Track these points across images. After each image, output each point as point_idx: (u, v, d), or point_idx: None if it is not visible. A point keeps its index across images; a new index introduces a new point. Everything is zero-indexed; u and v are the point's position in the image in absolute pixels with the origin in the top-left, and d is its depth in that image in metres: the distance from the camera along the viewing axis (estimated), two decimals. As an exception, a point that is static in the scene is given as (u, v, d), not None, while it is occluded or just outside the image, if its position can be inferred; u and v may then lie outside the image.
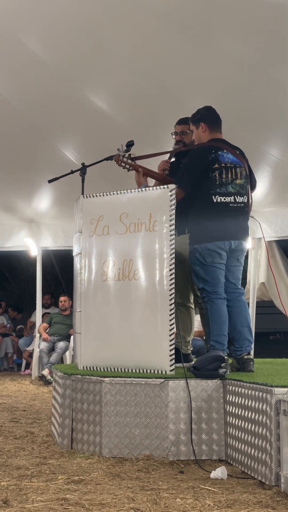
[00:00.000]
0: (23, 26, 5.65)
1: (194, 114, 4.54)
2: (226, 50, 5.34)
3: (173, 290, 4.11)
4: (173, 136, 4.85)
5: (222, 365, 3.93)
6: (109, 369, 4.24)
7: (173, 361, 4.07)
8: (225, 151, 4.35)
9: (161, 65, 5.74)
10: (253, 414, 3.35)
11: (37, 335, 9.53)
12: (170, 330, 4.07)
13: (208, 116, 4.49)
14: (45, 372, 8.47)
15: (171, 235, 4.15)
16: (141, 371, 4.14)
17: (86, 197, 4.48)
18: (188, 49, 5.42)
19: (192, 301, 4.75)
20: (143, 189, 4.33)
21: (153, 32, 5.35)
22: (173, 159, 4.79)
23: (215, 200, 4.27)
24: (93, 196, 4.45)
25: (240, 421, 3.55)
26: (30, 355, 10.16)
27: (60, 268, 14.47)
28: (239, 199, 4.34)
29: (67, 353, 9.03)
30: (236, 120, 5.55)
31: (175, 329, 4.18)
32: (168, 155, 4.84)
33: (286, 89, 5.68)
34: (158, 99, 6.22)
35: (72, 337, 8.74)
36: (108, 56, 5.77)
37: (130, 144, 4.51)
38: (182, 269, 4.50)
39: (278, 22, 4.92)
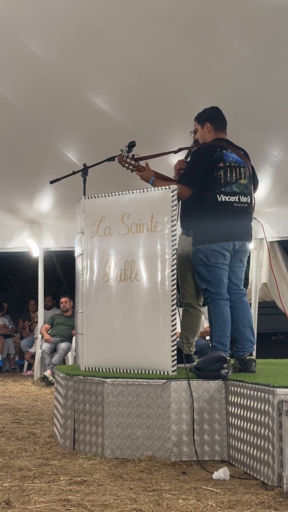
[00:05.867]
0: (24, 28, 5.65)
1: (201, 113, 4.53)
2: (228, 50, 5.35)
3: (175, 291, 4.11)
4: (192, 135, 4.81)
5: (224, 365, 3.92)
6: (111, 370, 4.24)
7: (175, 361, 4.06)
8: (229, 150, 4.34)
9: (162, 65, 5.74)
10: (255, 415, 3.35)
11: (39, 336, 9.54)
12: (172, 330, 4.07)
13: (214, 117, 4.49)
14: (47, 373, 8.48)
15: (173, 236, 4.15)
16: (143, 371, 4.14)
17: (88, 198, 4.48)
18: (190, 50, 5.43)
19: (201, 303, 4.74)
20: (150, 188, 4.32)
21: (154, 33, 5.35)
22: (189, 159, 4.75)
23: (219, 199, 4.26)
24: (95, 197, 4.45)
25: (242, 422, 3.55)
26: (32, 356, 10.17)
27: (62, 269, 14.48)
28: (243, 199, 4.33)
29: (69, 354, 9.04)
30: (238, 120, 5.54)
31: (178, 330, 4.19)
32: (185, 154, 4.81)
33: (287, 90, 5.68)
34: (160, 99, 6.22)
35: (74, 338, 8.75)
36: (109, 57, 5.77)
37: (131, 145, 4.51)
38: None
39: (279, 23, 4.92)
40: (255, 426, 3.34)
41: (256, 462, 3.31)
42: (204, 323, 7.29)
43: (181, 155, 4.94)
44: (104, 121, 6.61)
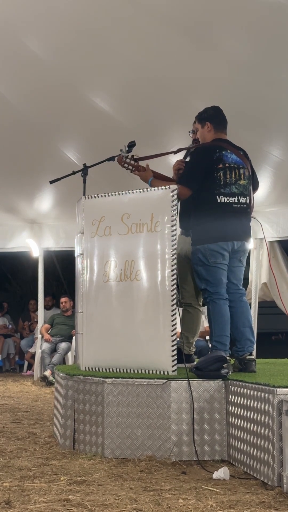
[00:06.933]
0: (24, 27, 5.65)
1: (201, 112, 4.54)
2: (228, 50, 5.35)
3: (175, 291, 4.11)
4: (190, 135, 4.81)
5: (224, 365, 3.93)
6: (111, 369, 4.24)
7: (175, 361, 4.06)
8: (229, 151, 4.35)
9: (163, 65, 5.74)
10: (255, 414, 3.35)
11: (39, 336, 9.54)
12: (172, 330, 4.07)
13: (214, 116, 4.49)
14: (47, 373, 8.48)
15: (173, 236, 4.15)
16: (143, 371, 4.14)
17: (88, 197, 4.48)
18: (190, 50, 5.42)
19: (200, 302, 4.75)
20: (150, 188, 4.32)
21: (154, 33, 5.35)
22: (188, 158, 4.75)
23: (219, 200, 4.27)
24: (95, 197, 4.45)
25: (242, 422, 3.55)
26: (32, 356, 10.17)
27: (62, 269, 14.48)
28: (242, 199, 4.34)
29: (69, 354, 9.04)
30: (238, 120, 5.55)
31: (178, 329, 4.19)
32: (184, 154, 4.81)
33: (287, 89, 5.68)
34: (160, 99, 6.22)
35: (74, 338, 8.75)
36: (109, 57, 5.77)
37: (131, 145, 4.51)
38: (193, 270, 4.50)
39: (279, 23, 4.92)
40: (255, 426, 3.34)
41: (256, 461, 3.31)
42: (204, 323, 7.29)
43: (180, 155, 4.94)
44: (104, 121, 6.61)
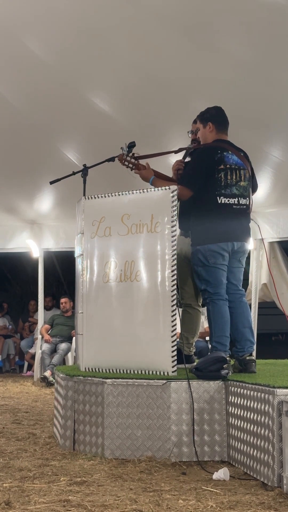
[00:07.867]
0: (24, 28, 5.65)
1: (203, 112, 4.54)
2: (228, 51, 5.35)
3: (175, 291, 4.11)
4: (189, 135, 4.81)
5: (224, 366, 3.92)
6: (111, 370, 4.24)
7: (175, 362, 4.06)
8: (230, 152, 4.35)
9: (163, 66, 5.74)
10: (255, 415, 3.35)
11: (39, 336, 9.54)
12: (172, 331, 4.07)
13: (217, 117, 4.49)
14: (47, 373, 8.48)
15: (173, 236, 4.15)
16: (143, 372, 4.14)
17: (88, 198, 4.48)
18: (190, 50, 5.42)
19: (200, 303, 4.74)
20: (150, 189, 4.32)
21: (154, 33, 5.35)
22: (188, 159, 4.75)
23: (219, 201, 4.27)
24: (95, 198, 4.46)
25: (242, 422, 3.55)
26: (32, 356, 10.17)
27: (62, 269, 14.47)
28: (242, 201, 4.34)
29: (69, 354, 9.04)
30: (238, 121, 5.53)
31: (178, 330, 4.18)
32: (183, 154, 4.81)
33: (287, 90, 5.68)
34: (160, 100, 6.22)
35: (74, 338, 8.74)
36: (109, 57, 5.77)
37: (131, 145, 4.52)
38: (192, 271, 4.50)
39: (279, 23, 4.92)
40: (255, 427, 3.34)
41: (256, 462, 3.30)
42: (204, 324, 7.29)
43: (180, 155, 4.94)
44: (104, 121, 6.61)
